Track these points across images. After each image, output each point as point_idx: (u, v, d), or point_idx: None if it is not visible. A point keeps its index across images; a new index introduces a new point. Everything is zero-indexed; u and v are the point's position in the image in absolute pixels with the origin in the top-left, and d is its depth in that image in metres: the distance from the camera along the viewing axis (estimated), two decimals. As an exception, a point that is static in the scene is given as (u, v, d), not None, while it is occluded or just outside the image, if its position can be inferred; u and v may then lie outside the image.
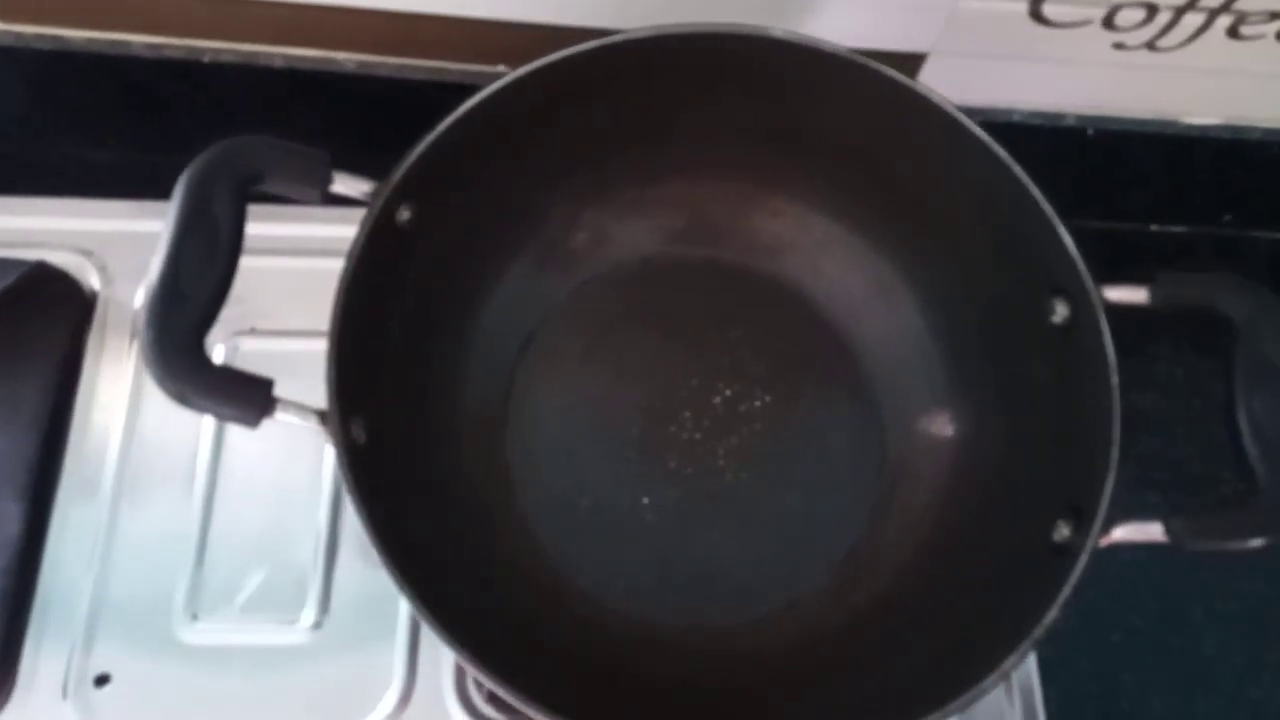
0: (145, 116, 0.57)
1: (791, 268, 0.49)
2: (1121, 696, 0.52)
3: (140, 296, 0.51)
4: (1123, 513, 0.37)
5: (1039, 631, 0.34)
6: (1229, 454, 0.38)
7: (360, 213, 0.39)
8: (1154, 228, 0.64)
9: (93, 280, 0.52)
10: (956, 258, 0.45)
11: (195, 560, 0.46)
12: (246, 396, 0.35)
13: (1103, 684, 0.52)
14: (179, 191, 0.35)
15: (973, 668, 0.34)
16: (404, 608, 0.46)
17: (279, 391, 0.36)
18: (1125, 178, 0.62)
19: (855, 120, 0.44)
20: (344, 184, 0.38)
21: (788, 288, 0.49)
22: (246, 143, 0.37)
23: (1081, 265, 0.39)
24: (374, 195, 0.38)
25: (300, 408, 0.36)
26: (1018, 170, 0.40)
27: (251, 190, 0.37)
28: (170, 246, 0.34)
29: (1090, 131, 0.59)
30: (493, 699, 0.44)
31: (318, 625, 0.46)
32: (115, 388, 0.50)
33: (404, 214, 0.40)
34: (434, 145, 0.39)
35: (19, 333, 0.49)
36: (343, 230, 0.51)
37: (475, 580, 0.41)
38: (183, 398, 0.34)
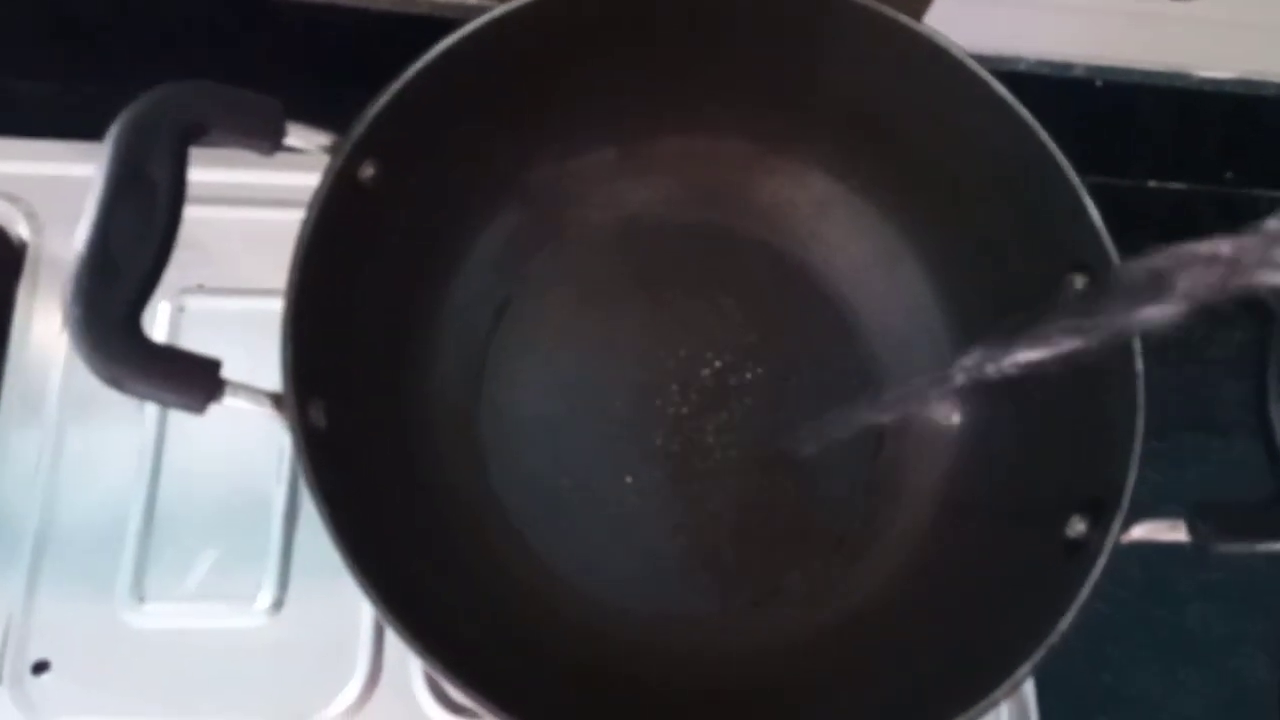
0: (75, 46, 0.52)
1: (788, 232, 0.46)
2: (1105, 668, 0.51)
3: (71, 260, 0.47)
4: (1134, 507, 0.35)
5: (1054, 637, 0.32)
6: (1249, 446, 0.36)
7: (323, 159, 0.35)
8: (1152, 184, 0.63)
9: (21, 229, 0.47)
10: (968, 226, 0.42)
11: (141, 537, 0.43)
12: (190, 380, 0.31)
13: (1086, 656, 0.51)
14: (108, 146, 0.31)
15: (981, 675, 0.32)
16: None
17: (232, 363, 0.32)
18: (1130, 132, 0.60)
19: (861, 71, 0.41)
20: (299, 137, 0.34)
21: (784, 253, 0.46)
22: (186, 89, 0.32)
23: (1107, 239, 0.36)
24: (334, 150, 0.34)
25: (251, 391, 0.32)
26: (1042, 134, 0.37)
27: (192, 143, 0.32)
28: (99, 211, 0.30)
29: (1098, 83, 0.57)
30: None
31: (276, 607, 0.43)
32: (49, 344, 0.46)
33: (367, 171, 0.36)
34: (402, 94, 0.35)
35: (-65, 287, 0.44)
36: (301, 179, 0.48)
37: (447, 572, 0.38)
38: (116, 382, 0.30)
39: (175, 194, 0.31)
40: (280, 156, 0.36)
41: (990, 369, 0.32)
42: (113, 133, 0.31)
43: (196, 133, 0.32)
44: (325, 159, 0.35)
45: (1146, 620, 0.51)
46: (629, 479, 0.43)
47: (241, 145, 0.33)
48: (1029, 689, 0.46)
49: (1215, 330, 0.57)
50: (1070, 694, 0.48)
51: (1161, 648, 0.51)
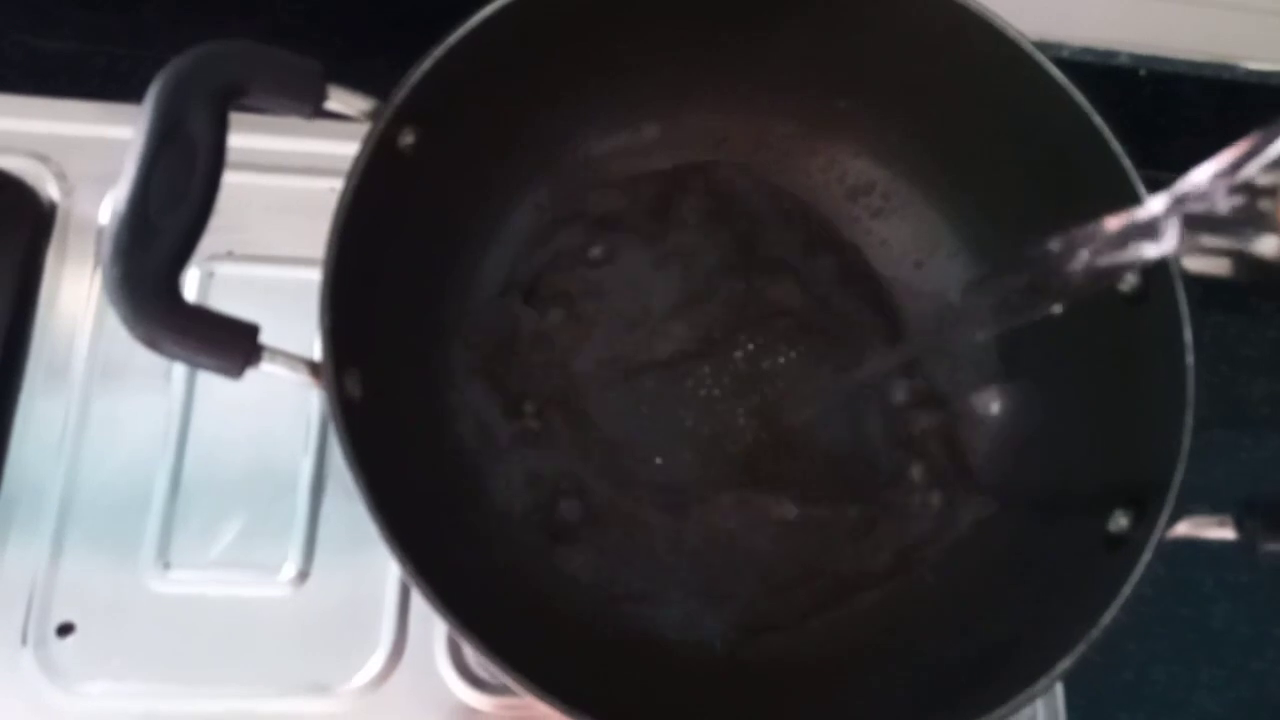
0: (101, 6, 0.51)
1: (826, 215, 0.45)
2: (1126, 665, 0.51)
3: (106, 210, 0.47)
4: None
5: (1097, 631, 0.32)
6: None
7: (353, 127, 0.34)
8: (1196, 177, 0.61)
9: (51, 189, 0.47)
10: (1014, 212, 0.41)
11: (167, 503, 0.43)
12: (228, 344, 0.31)
13: (1107, 652, 0.50)
14: (148, 105, 0.30)
15: (1020, 668, 0.32)
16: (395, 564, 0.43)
17: (265, 337, 0.32)
18: (1170, 123, 0.59)
19: (911, 52, 0.40)
20: (339, 100, 0.34)
21: (821, 236, 0.45)
22: (227, 49, 0.32)
23: (1161, 230, 0.35)
24: (374, 115, 0.34)
25: (289, 358, 0.32)
26: (1097, 119, 0.36)
27: (232, 104, 0.32)
28: (139, 170, 0.30)
29: (1142, 72, 0.56)
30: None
31: (301, 577, 0.43)
32: (78, 306, 0.45)
33: (407, 138, 0.35)
34: (443, 60, 0.34)
35: (-32, 245, 0.44)
36: (334, 147, 0.48)
37: (474, 547, 0.38)
38: (153, 343, 0.30)
39: (215, 154, 0.31)
40: (309, 125, 0.36)
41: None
42: (153, 91, 0.31)
43: (237, 93, 0.32)
44: (355, 129, 0.34)
45: (1170, 619, 0.51)
46: (658, 460, 0.42)
47: (281, 108, 0.33)
48: (1058, 685, 0.45)
49: (1248, 329, 0.56)
50: (1091, 691, 0.47)
51: (1184, 647, 0.50)
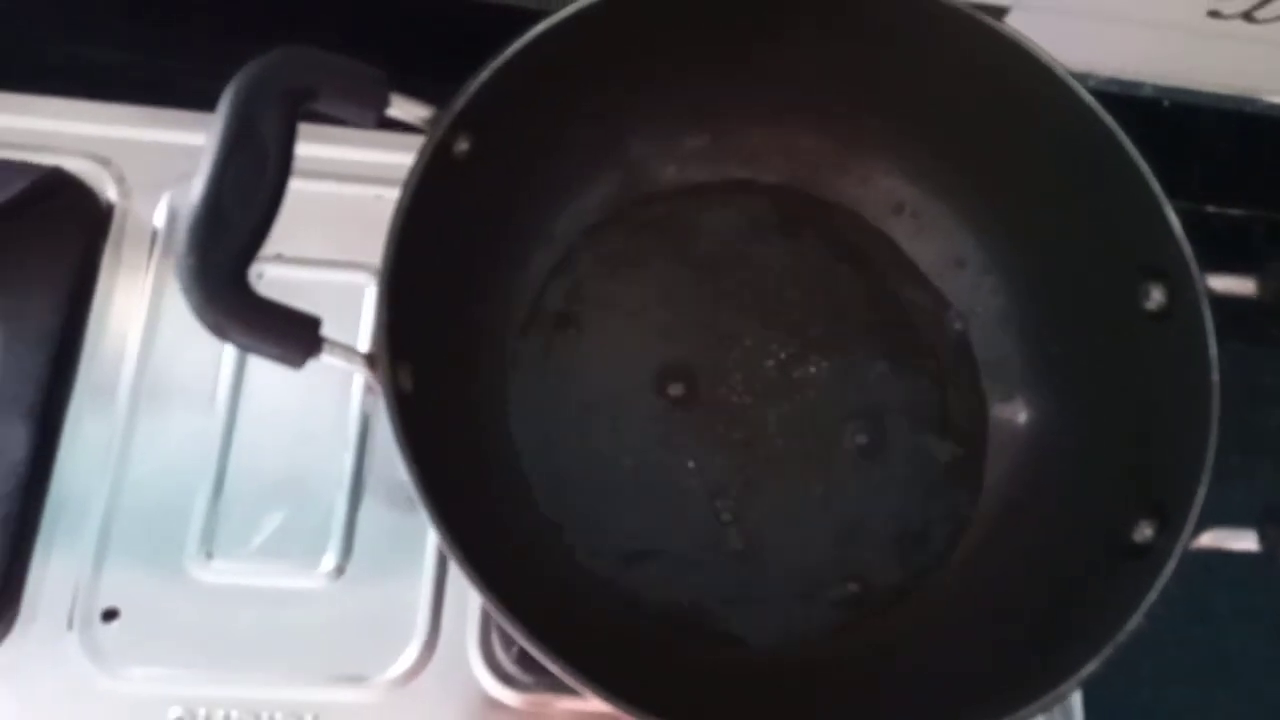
0: (164, 17, 0.53)
1: (859, 228, 0.46)
2: (1141, 686, 0.51)
3: (161, 212, 0.48)
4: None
5: (1121, 637, 0.33)
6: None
7: (398, 138, 0.35)
8: (1210, 208, 0.62)
9: (109, 191, 0.48)
10: (1043, 230, 0.42)
11: (212, 495, 0.44)
12: (292, 335, 0.32)
13: (1123, 672, 0.51)
14: (224, 104, 0.32)
15: (1044, 673, 0.32)
16: (429, 558, 0.44)
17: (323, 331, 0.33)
18: (1192, 155, 0.60)
19: (945, 74, 0.42)
20: (401, 108, 0.35)
21: (852, 250, 0.46)
22: (298, 55, 0.33)
23: (1187, 249, 0.37)
24: (433, 123, 0.35)
25: (348, 350, 0.33)
26: (1125, 140, 0.38)
27: (302, 108, 0.33)
28: (214, 165, 0.31)
29: (1166, 103, 0.57)
30: (521, 658, 0.42)
31: (339, 571, 0.44)
32: (132, 305, 0.47)
33: (462, 145, 0.37)
34: (500, 72, 0.36)
35: (30, 242, 0.45)
36: (377, 155, 0.49)
37: (513, 545, 0.39)
38: (222, 331, 0.31)
39: (285, 154, 0.32)
40: (356, 135, 0.37)
41: None
42: (228, 92, 0.32)
43: (307, 96, 0.33)
44: (400, 140, 0.35)
45: (1185, 639, 0.51)
46: (690, 463, 0.44)
47: (347, 113, 0.34)
48: (1076, 700, 0.46)
49: (1268, 360, 0.57)
50: (1104, 709, 0.47)
51: (1199, 668, 0.50)
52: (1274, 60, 0.53)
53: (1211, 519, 0.35)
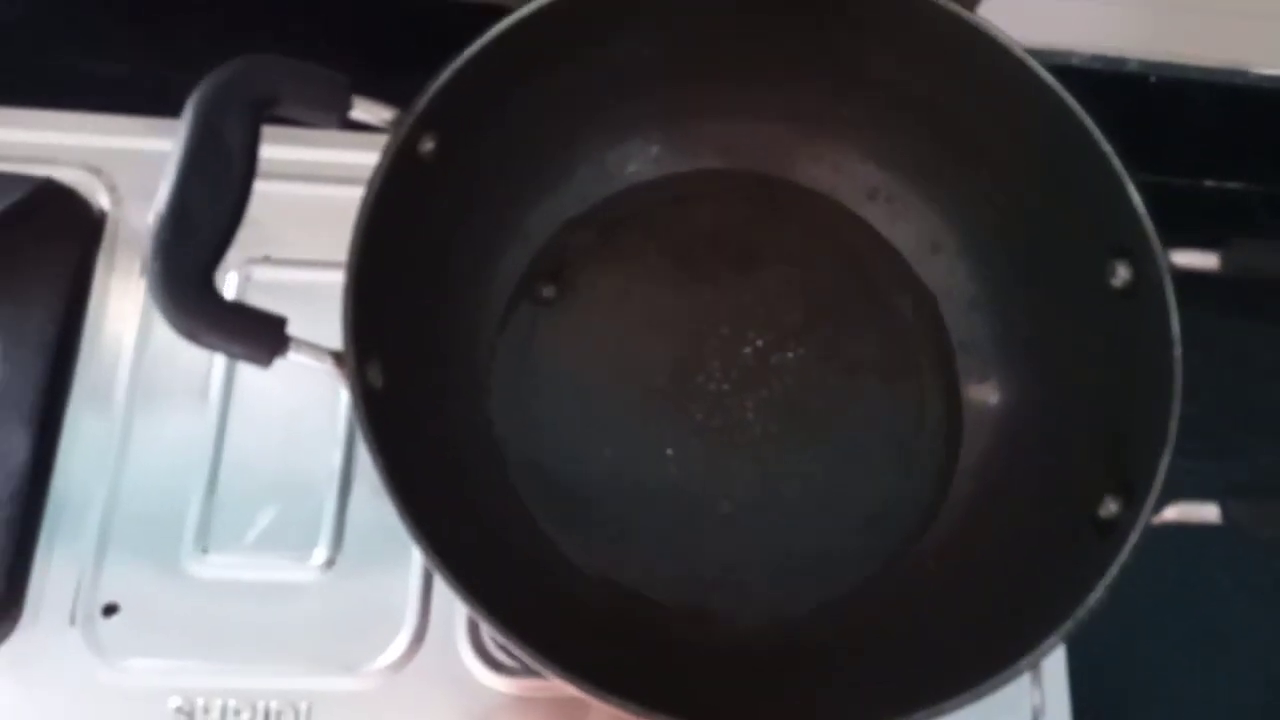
0: (149, 29, 0.54)
1: (833, 215, 0.46)
2: (1140, 664, 0.51)
3: (151, 219, 0.49)
4: (1169, 489, 0.35)
5: (1081, 612, 0.33)
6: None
7: (382, 139, 0.36)
8: (1208, 183, 0.62)
9: (102, 200, 0.50)
10: (1013, 212, 0.42)
11: (206, 492, 0.45)
12: (258, 334, 0.33)
13: (1123, 651, 0.51)
14: (187, 114, 0.33)
15: (1008, 647, 0.33)
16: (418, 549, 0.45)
17: (293, 329, 0.34)
18: (1183, 130, 0.60)
19: (911, 59, 0.42)
20: (364, 110, 0.36)
21: (827, 237, 0.46)
22: (260, 62, 0.34)
23: (1150, 226, 0.37)
24: (395, 124, 0.36)
25: (314, 348, 0.34)
26: (1086, 120, 0.38)
27: (265, 114, 0.34)
28: (178, 174, 0.32)
29: (1152, 79, 0.56)
30: (507, 645, 0.43)
31: (329, 564, 0.45)
32: (125, 312, 0.48)
33: (427, 145, 0.37)
34: (461, 71, 0.36)
35: (25, 252, 0.47)
36: (363, 157, 0.50)
37: (489, 534, 0.40)
38: (191, 334, 0.32)
39: (248, 160, 0.33)
40: (342, 137, 0.38)
41: None
42: (192, 101, 0.33)
43: (269, 103, 0.34)
44: (384, 140, 0.36)
45: (1185, 619, 0.51)
46: (669, 451, 0.44)
47: (310, 117, 0.35)
48: (1063, 683, 0.46)
49: (1271, 337, 0.56)
50: (1104, 690, 0.47)
51: (1199, 647, 0.50)
52: (1257, 32, 0.52)
53: (1180, 495, 0.35)
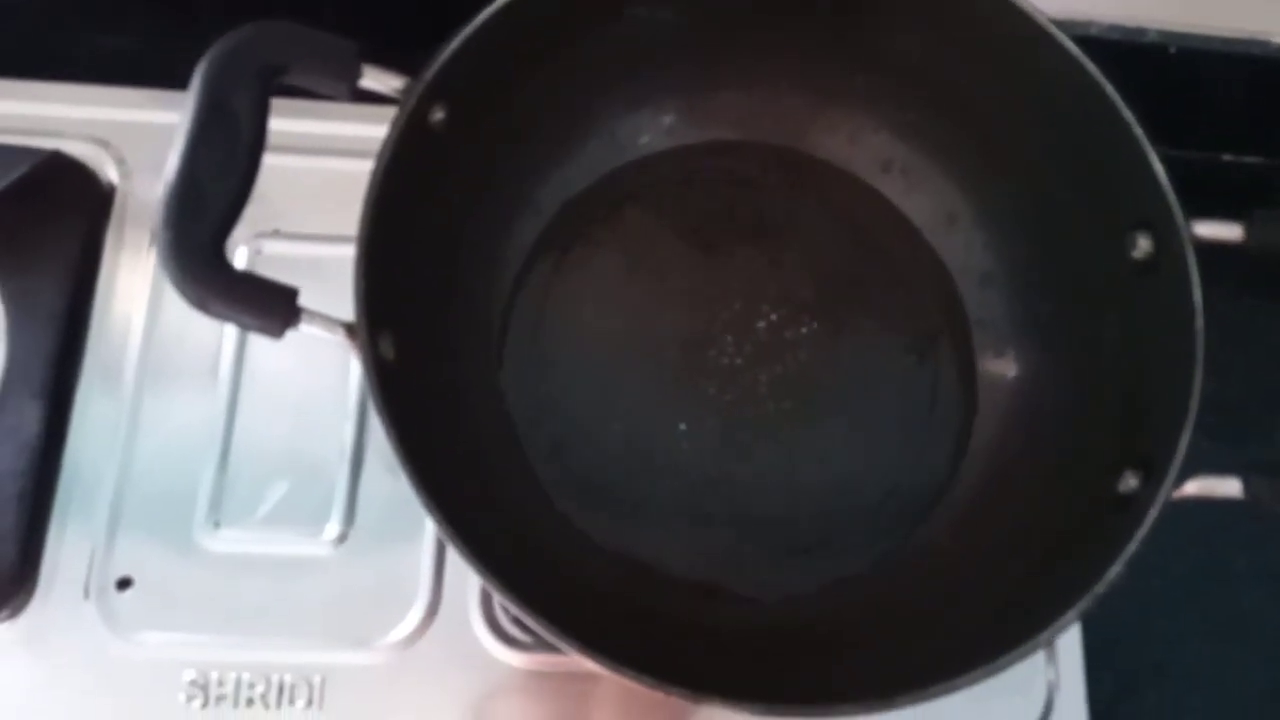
0: (158, 2, 0.54)
1: (846, 188, 0.46)
2: (1156, 643, 0.50)
3: (160, 191, 0.49)
4: (1187, 467, 0.35)
5: (1101, 587, 0.33)
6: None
7: (391, 112, 0.36)
8: (1227, 157, 0.61)
9: (110, 172, 0.49)
10: (1031, 184, 0.42)
11: (218, 466, 0.45)
12: (269, 305, 0.33)
13: (1138, 629, 0.51)
14: (196, 82, 0.33)
15: (1024, 623, 0.33)
16: (430, 523, 0.45)
17: (304, 301, 0.34)
18: (1203, 102, 0.58)
19: (930, 28, 0.41)
20: (374, 79, 0.35)
21: (841, 210, 0.46)
22: (269, 29, 0.34)
23: (1172, 197, 0.36)
24: (405, 93, 0.35)
25: (326, 320, 0.34)
26: (1108, 88, 0.37)
27: (274, 83, 0.34)
28: (187, 143, 0.32)
29: (1172, 49, 0.55)
30: (519, 619, 0.43)
31: (342, 538, 0.45)
32: (135, 284, 0.48)
33: (437, 115, 0.37)
34: (472, 39, 0.36)
35: (34, 225, 0.47)
36: (374, 130, 0.49)
37: (502, 507, 0.39)
38: (202, 304, 0.32)
39: (258, 128, 0.33)
40: (353, 110, 0.37)
41: None
42: (200, 68, 0.33)
43: (278, 71, 0.33)
44: (394, 113, 0.36)
45: (1201, 598, 0.50)
46: (682, 426, 0.44)
47: (320, 85, 0.35)
48: (1078, 661, 0.45)
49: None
50: (1119, 667, 0.47)
51: (1214, 627, 0.50)
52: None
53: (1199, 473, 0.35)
